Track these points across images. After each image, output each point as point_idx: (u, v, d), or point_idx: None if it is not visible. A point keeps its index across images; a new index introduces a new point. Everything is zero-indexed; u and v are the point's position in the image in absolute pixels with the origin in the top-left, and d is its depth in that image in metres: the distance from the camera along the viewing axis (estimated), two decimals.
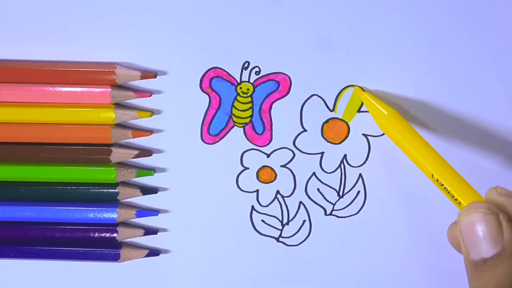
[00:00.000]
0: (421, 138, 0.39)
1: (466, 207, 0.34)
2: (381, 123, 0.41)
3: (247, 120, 0.43)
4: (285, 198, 0.44)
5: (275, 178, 0.44)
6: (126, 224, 0.44)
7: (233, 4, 0.41)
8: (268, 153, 0.44)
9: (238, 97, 0.43)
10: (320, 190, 0.44)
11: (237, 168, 0.44)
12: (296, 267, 0.45)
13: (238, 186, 0.44)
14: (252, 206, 0.44)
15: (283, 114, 0.43)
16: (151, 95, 0.42)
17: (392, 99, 0.43)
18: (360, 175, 0.44)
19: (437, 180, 0.37)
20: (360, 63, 0.42)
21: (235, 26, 0.42)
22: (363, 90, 0.42)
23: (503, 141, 0.43)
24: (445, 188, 0.36)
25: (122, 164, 0.43)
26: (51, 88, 0.42)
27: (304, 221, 0.45)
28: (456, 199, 0.36)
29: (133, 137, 0.43)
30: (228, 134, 0.43)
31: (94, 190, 0.43)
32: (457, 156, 0.43)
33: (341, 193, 0.44)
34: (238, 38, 0.42)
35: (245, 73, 0.42)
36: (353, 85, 0.43)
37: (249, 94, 0.43)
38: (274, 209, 0.45)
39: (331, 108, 0.43)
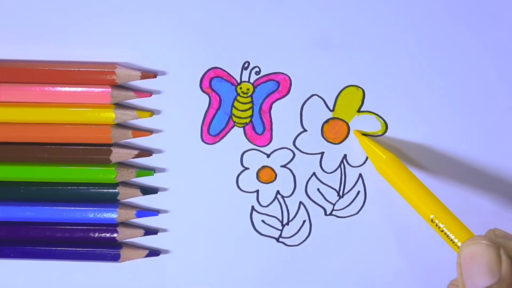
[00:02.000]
0: (418, 181, 0.40)
1: (469, 239, 0.35)
2: (379, 167, 0.42)
3: (247, 120, 0.43)
4: (285, 198, 0.44)
5: (275, 178, 0.44)
6: (126, 224, 0.44)
7: (233, 4, 0.41)
8: (268, 153, 0.44)
9: (238, 97, 0.43)
10: (320, 190, 0.44)
11: (237, 168, 0.44)
12: (296, 267, 0.45)
13: (238, 186, 0.44)
14: (252, 206, 0.44)
15: (283, 114, 0.43)
16: (151, 95, 0.42)
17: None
18: (360, 175, 0.44)
19: (436, 224, 0.38)
20: (360, 63, 0.42)
21: (235, 26, 0.42)
22: (362, 134, 0.43)
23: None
24: (443, 231, 0.37)
25: (122, 164, 0.43)
26: (51, 88, 0.42)
27: (304, 221, 0.45)
28: (454, 242, 0.37)
29: (133, 137, 0.43)
30: (228, 134, 0.43)
31: (94, 190, 0.43)
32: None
33: (341, 193, 0.44)
34: (238, 38, 0.42)
35: (245, 73, 0.42)
36: (353, 85, 0.43)
37: (249, 94, 0.43)
38: (274, 209, 0.45)
39: (331, 108, 0.43)
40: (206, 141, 0.43)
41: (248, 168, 0.44)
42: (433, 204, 0.38)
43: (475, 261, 0.33)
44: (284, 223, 0.45)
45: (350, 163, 0.44)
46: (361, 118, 0.43)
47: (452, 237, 0.37)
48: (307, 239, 0.45)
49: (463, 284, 0.33)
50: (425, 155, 0.43)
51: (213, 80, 0.42)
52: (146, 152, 0.43)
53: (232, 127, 0.43)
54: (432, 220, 0.38)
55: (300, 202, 0.45)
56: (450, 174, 0.44)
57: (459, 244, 0.36)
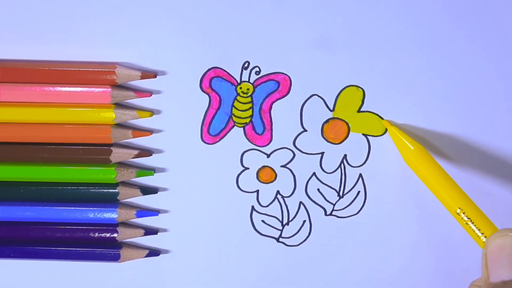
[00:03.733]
0: (445, 173, 0.40)
1: (496, 232, 0.35)
2: (407, 158, 0.42)
3: (247, 120, 0.43)
4: (285, 198, 0.44)
5: (275, 178, 0.44)
6: (126, 224, 0.44)
7: (233, 4, 0.41)
8: (268, 153, 0.44)
9: (238, 97, 0.43)
10: (320, 190, 0.44)
11: (237, 168, 0.44)
12: (296, 267, 0.45)
13: (238, 186, 0.44)
14: (252, 206, 0.44)
15: (283, 114, 0.43)
16: (151, 95, 0.42)
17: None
18: (360, 175, 0.44)
19: (462, 216, 0.38)
20: (360, 63, 0.42)
21: (235, 26, 0.42)
22: (391, 124, 0.43)
23: None
24: (468, 225, 0.38)
25: (122, 164, 0.43)
26: (51, 88, 0.42)
27: (304, 221, 0.45)
28: (478, 236, 0.37)
29: (133, 137, 0.43)
30: (228, 134, 0.43)
31: (94, 190, 0.43)
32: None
33: (341, 193, 0.44)
34: (238, 38, 0.42)
35: (245, 73, 0.42)
36: (353, 85, 0.43)
37: (249, 94, 0.43)
38: (274, 209, 0.45)
39: (331, 108, 0.43)
40: (206, 141, 0.43)
41: (248, 168, 0.44)
42: (460, 198, 0.38)
43: (503, 253, 0.33)
44: (284, 223, 0.45)
45: (350, 163, 0.44)
46: (361, 118, 0.43)
47: (477, 231, 0.37)
48: (307, 239, 0.45)
49: (487, 275, 0.33)
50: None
51: (213, 80, 0.42)
52: (146, 152, 0.43)
53: (232, 127, 0.43)
54: (458, 213, 0.38)
55: (300, 202, 0.44)
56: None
57: (483, 238, 0.37)
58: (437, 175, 0.40)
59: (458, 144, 0.43)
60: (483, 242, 0.36)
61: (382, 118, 0.43)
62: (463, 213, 0.38)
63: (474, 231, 0.37)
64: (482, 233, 0.37)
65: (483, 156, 0.43)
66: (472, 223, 0.37)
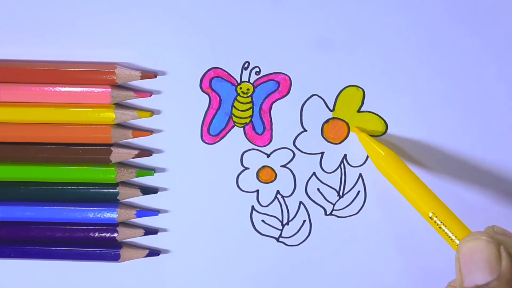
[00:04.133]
0: (417, 178, 0.40)
1: (468, 235, 0.34)
2: (378, 163, 0.42)
3: (247, 120, 0.43)
4: (285, 198, 0.44)
5: (275, 178, 0.44)
6: (126, 224, 0.44)
7: (233, 4, 0.41)
8: (268, 153, 0.44)
9: (238, 97, 0.43)
10: (320, 190, 0.44)
11: (237, 168, 0.44)
12: (296, 267, 0.45)
13: (238, 186, 0.44)
14: (252, 206, 0.44)
15: (283, 114, 0.43)
16: (151, 95, 0.42)
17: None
18: (360, 175, 0.44)
19: (434, 221, 0.38)
20: (360, 63, 0.42)
21: (235, 26, 0.42)
22: (361, 130, 0.43)
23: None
24: (441, 229, 0.37)
25: (122, 164, 0.43)
26: (51, 88, 0.42)
27: (304, 221, 0.45)
28: (452, 239, 0.37)
29: (133, 137, 0.43)
30: (228, 134, 0.43)
31: (94, 190, 0.43)
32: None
33: (341, 193, 0.44)
34: (238, 38, 0.42)
35: (245, 73, 0.42)
36: (353, 85, 0.43)
37: (249, 94, 0.43)
38: (274, 209, 0.45)
39: (331, 108, 0.43)
40: (206, 141, 0.43)
41: (248, 168, 0.44)
42: (432, 201, 0.38)
43: (475, 257, 0.32)
44: (284, 223, 0.45)
45: (350, 163, 0.44)
46: (361, 118, 0.43)
47: (450, 234, 0.37)
48: (307, 239, 0.45)
49: (461, 280, 0.33)
50: (425, 153, 0.43)
51: (213, 80, 0.42)
52: (146, 152, 0.43)
53: (232, 127, 0.43)
54: (430, 217, 0.38)
55: (300, 202, 0.45)
56: (448, 172, 0.44)
57: (457, 241, 0.36)
58: (408, 180, 0.40)
59: (455, 150, 0.43)
60: (457, 245, 0.36)
61: (382, 118, 0.43)
62: (436, 217, 0.38)
63: (447, 235, 0.37)
64: (456, 236, 0.37)
65: (483, 160, 0.43)
66: (445, 226, 0.37)
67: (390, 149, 0.42)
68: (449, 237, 0.37)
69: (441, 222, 0.37)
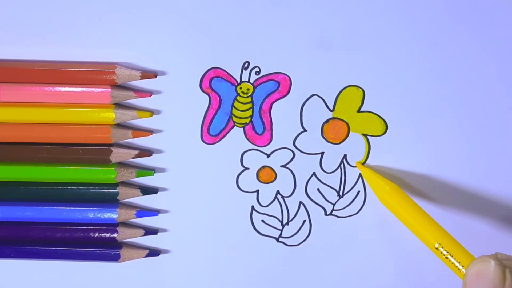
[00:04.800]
0: (421, 210, 0.40)
1: (475, 259, 0.35)
2: (382, 197, 0.42)
3: (247, 120, 0.43)
4: (285, 198, 0.44)
5: (275, 178, 0.44)
6: (126, 224, 0.44)
7: (233, 4, 0.41)
8: (268, 153, 0.44)
9: (238, 97, 0.43)
10: (320, 190, 0.44)
11: (237, 168, 0.44)
12: (296, 267, 0.45)
13: (238, 186, 0.44)
14: (252, 206, 0.44)
15: (283, 114, 0.43)
16: (151, 95, 0.42)
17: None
18: (360, 175, 0.44)
19: (441, 251, 0.38)
20: (360, 63, 0.42)
21: (235, 26, 0.42)
22: (363, 165, 0.43)
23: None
24: (448, 258, 0.38)
25: (122, 164, 0.43)
26: (51, 88, 0.42)
27: (304, 221, 0.45)
28: (459, 269, 0.37)
29: (133, 137, 0.43)
30: (228, 134, 0.43)
31: (94, 190, 0.43)
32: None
33: (341, 193, 0.44)
34: (238, 38, 0.42)
35: (245, 73, 0.42)
36: (353, 85, 0.43)
37: (249, 94, 0.43)
38: (274, 209, 0.45)
39: (331, 108, 0.43)
40: (206, 141, 0.43)
41: (248, 168, 0.44)
42: (437, 232, 0.39)
43: (481, 279, 0.33)
44: (284, 223, 0.45)
45: (350, 163, 0.44)
46: (361, 118, 0.43)
47: (457, 264, 0.37)
48: (307, 239, 0.45)
49: None
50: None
51: (213, 80, 0.42)
52: (146, 152, 0.43)
53: (232, 127, 0.43)
54: (436, 248, 0.38)
55: (300, 202, 0.45)
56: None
57: (463, 270, 0.37)
58: (413, 212, 0.40)
59: (455, 150, 0.43)
60: (464, 274, 0.36)
61: (382, 118, 0.43)
62: (442, 247, 0.38)
63: (454, 265, 0.37)
64: (462, 266, 0.37)
65: (482, 160, 0.43)
66: (452, 256, 0.37)
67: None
68: (456, 266, 0.37)
69: (447, 252, 0.38)
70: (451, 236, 0.38)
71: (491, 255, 0.35)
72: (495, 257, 0.34)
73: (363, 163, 0.44)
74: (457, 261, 0.37)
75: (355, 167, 0.44)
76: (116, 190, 0.43)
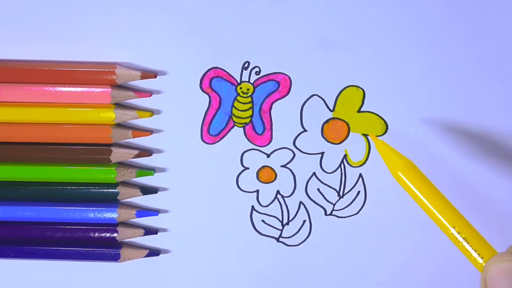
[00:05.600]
0: (438, 191, 0.38)
1: (495, 256, 0.34)
2: (395, 174, 0.39)
3: (247, 120, 0.43)
4: (285, 198, 0.44)
5: (275, 178, 0.44)
6: (126, 224, 0.44)
7: (233, 4, 0.41)
8: (268, 153, 0.44)
9: (238, 97, 0.43)
10: (320, 190, 0.44)
11: (237, 168, 0.44)
12: (296, 267, 0.45)
13: (238, 186, 0.44)
14: (252, 206, 0.44)
15: (283, 114, 0.43)
16: (151, 95, 0.42)
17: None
18: (360, 175, 0.44)
19: (457, 236, 0.36)
20: (360, 63, 0.42)
21: (235, 26, 0.42)
22: (378, 138, 0.42)
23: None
24: (463, 245, 0.36)
25: (122, 164, 0.43)
26: (51, 88, 0.42)
27: (304, 221, 0.45)
28: (474, 257, 0.36)
29: (133, 137, 0.43)
30: (228, 134, 0.43)
31: (94, 190, 0.43)
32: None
33: (341, 193, 0.44)
34: (238, 38, 0.42)
35: (245, 73, 0.42)
36: (353, 85, 0.43)
37: (249, 94, 0.43)
38: (274, 209, 0.45)
39: (331, 108, 0.43)
40: (206, 141, 0.43)
41: (248, 168, 0.44)
42: (454, 217, 0.37)
43: (505, 279, 0.33)
44: (284, 223, 0.45)
45: (350, 163, 0.44)
46: (361, 118, 0.43)
47: (473, 252, 0.36)
48: (307, 239, 0.45)
49: None
50: (424, 155, 0.43)
51: (213, 80, 0.42)
52: (146, 152, 0.43)
53: (232, 127, 0.43)
54: (452, 233, 0.37)
55: (300, 202, 0.45)
56: (449, 175, 0.44)
57: (479, 259, 0.36)
58: (429, 192, 0.38)
59: (455, 151, 0.43)
60: (480, 263, 0.36)
61: (382, 118, 0.43)
62: (458, 233, 0.36)
63: (469, 252, 0.36)
64: (479, 254, 0.36)
65: (482, 161, 0.43)
66: (468, 243, 0.36)
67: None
68: (471, 254, 0.36)
69: (463, 238, 0.36)
70: (468, 222, 0.37)
71: (507, 250, 0.35)
72: None
73: (363, 164, 0.44)
74: (473, 249, 0.36)
75: (355, 167, 0.44)
76: (116, 190, 0.43)
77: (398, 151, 0.41)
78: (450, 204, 0.38)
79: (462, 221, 0.37)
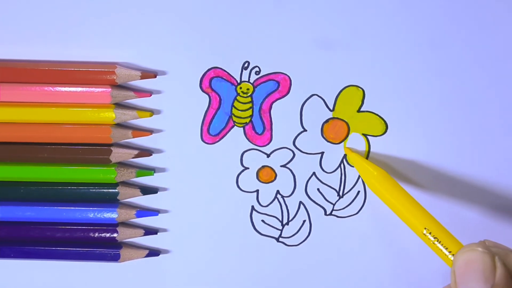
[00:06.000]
0: (409, 196, 0.40)
1: (463, 247, 0.35)
2: (370, 183, 0.42)
3: (247, 120, 0.43)
4: (285, 198, 0.44)
5: (275, 178, 0.44)
6: (126, 224, 0.44)
7: (233, 4, 0.41)
8: (268, 153, 0.44)
9: (238, 97, 0.43)
10: (320, 190, 0.44)
11: (237, 168, 0.44)
12: (296, 267, 0.45)
13: (238, 186, 0.44)
14: (252, 206, 0.44)
15: (283, 114, 0.43)
16: (151, 95, 0.42)
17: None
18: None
19: (428, 236, 0.38)
20: (360, 63, 0.42)
21: (235, 26, 0.42)
22: (352, 151, 0.43)
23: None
24: (435, 244, 0.37)
25: (122, 164, 0.43)
26: (51, 88, 0.42)
27: (304, 221, 0.45)
28: (446, 254, 0.37)
29: (133, 137, 0.43)
30: (228, 134, 0.43)
31: (94, 190, 0.43)
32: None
33: (341, 193, 0.44)
34: (238, 38, 0.42)
35: (245, 73, 0.42)
36: (353, 85, 0.43)
37: (249, 94, 0.43)
38: (274, 209, 0.45)
39: (331, 108, 0.43)
40: (206, 141, 0.43)
41: (248, 168, 0.44)
42: (424, 218, 0.39)
43: (470, 268, 0.33)
44: (284, 223, 0.45)
45: (350, 163, 0.44)
46: (361, 118, 0.43)
47: (444, 250, 0.37)
48: (307, 239, 0.45)
49: None
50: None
51: (213, 80, 0.43)
52: (146, 152, 0.43)
53: (232, 127, 0.43)
54: (424, 234, 0.38)
55: (300, 202, 0.45)
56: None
57: (451, 256, 0.37)
58: (401, 198, 0.40)
59: (455, 151, 0.43)
60: (451, 260, 0.36)
61: (382, 118, 0.43)
62: (430, 233, 0.38)
63: (441, 250, 0.37)
64: (450, 252, 0.37)
65: (482, 160, 0.43)
66: (439, 242, 0.37)
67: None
68: (443, 252, 0.37)
69: (434, 238, 0.38)
70: (438, 222, 0.38)
71: (479, 242, 0.35)
72: (483, 245, 0.34)
73: None
74: (444, 247, 0.37)
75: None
76: (116, 190, 0.43)
77: (370, 161, 0.42)
78: (421, 206, 0.39)
79: (432, 221, 0.38)
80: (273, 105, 0.43)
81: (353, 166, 0.44)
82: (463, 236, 0.38)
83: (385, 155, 0.43)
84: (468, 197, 0.44)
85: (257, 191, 0.44)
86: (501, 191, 0.44)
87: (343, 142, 0.43)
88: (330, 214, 0.45)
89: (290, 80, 0.43)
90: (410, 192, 0.41)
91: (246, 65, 0.42)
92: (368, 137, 0.43)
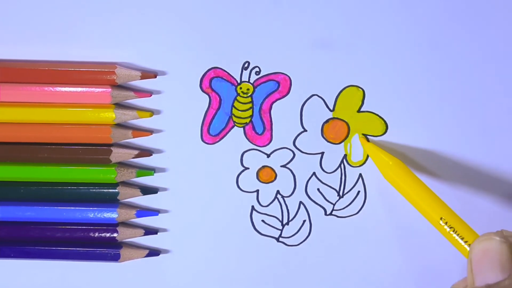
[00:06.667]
0: (424, 185, 0.40)
1: (480, 236, 0.35)
2: (385, 173, 0.42)
3: (247, 120, 0.43)
4: (285, 198, 0.44)
5: (275, 178, 0.44)
6: (126, 224, 0.44)
7: (233, 4, 0.41)
8: (268, 153, 0.44)
9: (238, 97, 0.43)
10: (320, 190, 0.44)
11: (237, 168, 0.44)
12: (296, 267, 0.45)
13: (238, 186, 0.44)
14: (252, 206, 0.44)
15: (283, 114, 0.43)
16: (151, 95, 0.42)
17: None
18: (360, 175, 0.44)
19: (445, 224, 0.38)
20: (360, 63, 0.42)
21: (235, 26, 0.42)
22: (368, 140, 0.43)
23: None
24: (451, 234, 0.38)
25: (122, 164, 0.43)
26: (51, 88, 0.42)
27: (304, 221, 0.45)
28: (461, 244, 0.37)
29: (133, 137, 0.43)
30: (228, 134, 0.43)
31: (94, 190, 0.43)
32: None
33: (341, 193, 0.44)
34: (238, 38, 0.42)
35: (245, 73, 0.42)
36: (353, 85, 0.43)
37: (249, 94, 0.43)
38: (274, 209, 0.45)
39: (331, 108, 0.43)
40: (206, 141, 0.43)
41: (248, 168, 0.44)
42: (441, 208, 0.39)
43: (487, 256, 0.33)
44: (284, 223, 0.45)
45: (350, 163, 0.44)
46: (361, 118, 0.43)
47: (460, 240, 0.37)
48: (307, 239, 0.45)
49: (472, 280, 0.33)
50: (427, 157, 0.43)
51: (213, 80, 0.43)
52: (146, 152, 0.43)
53: (232, 127, 0.43)
54: (440, 224, 0.38)
55: (300, 202, 0.45)
56: (450, 175, 0.44)
57: (466, 246, 0.37)
58: (417, 187, 0.40)
59: (455, 150, 0.43)
60: (467, 250, 0.36)
61: (382, 118, 0.43)
62: (445, 223, 0.38)
63: (457, 241, 0.37)
64: (466, 242, 0.37)
65: (482, 160, 0.43)
66: (455, 232, 0.37)
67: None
68: (459, 242, 0.37)
69: (450, 227, 0.38)
70: (454, 212, 0.38)
71: (496, 232, 0.35)
72: (500, 234, 0.34)
73: (363, 164, 0.44)
74: (460, 237, 0.37)
75: (355, 167, 0.44)
76: (116, 190, 0.43)
77: (386, 151, 0.42)
78: (437, 196, 0.39)
79: (448, 211, 0.38)
80: (273, 105, 0.43)
81: (353, 166, 0.44)
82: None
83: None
84: (470, 197, 0.44)
85: (257, 191, 0.44)
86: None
87: (343, 142, 0.43)
88: (330, 214, 0.45)
89: (290, 80, 0.43)
90: (425, 181, 0.41)
91: (246, 65, 0.42)
92: (368, 137, 0.43)
